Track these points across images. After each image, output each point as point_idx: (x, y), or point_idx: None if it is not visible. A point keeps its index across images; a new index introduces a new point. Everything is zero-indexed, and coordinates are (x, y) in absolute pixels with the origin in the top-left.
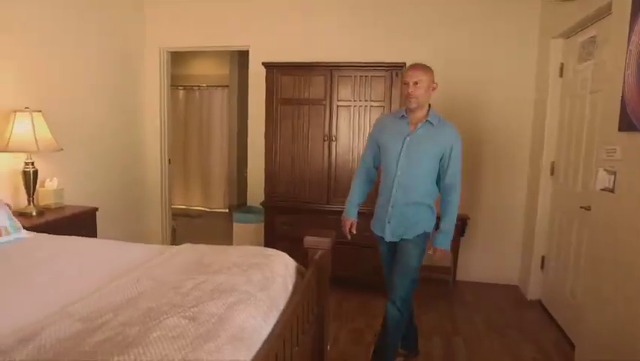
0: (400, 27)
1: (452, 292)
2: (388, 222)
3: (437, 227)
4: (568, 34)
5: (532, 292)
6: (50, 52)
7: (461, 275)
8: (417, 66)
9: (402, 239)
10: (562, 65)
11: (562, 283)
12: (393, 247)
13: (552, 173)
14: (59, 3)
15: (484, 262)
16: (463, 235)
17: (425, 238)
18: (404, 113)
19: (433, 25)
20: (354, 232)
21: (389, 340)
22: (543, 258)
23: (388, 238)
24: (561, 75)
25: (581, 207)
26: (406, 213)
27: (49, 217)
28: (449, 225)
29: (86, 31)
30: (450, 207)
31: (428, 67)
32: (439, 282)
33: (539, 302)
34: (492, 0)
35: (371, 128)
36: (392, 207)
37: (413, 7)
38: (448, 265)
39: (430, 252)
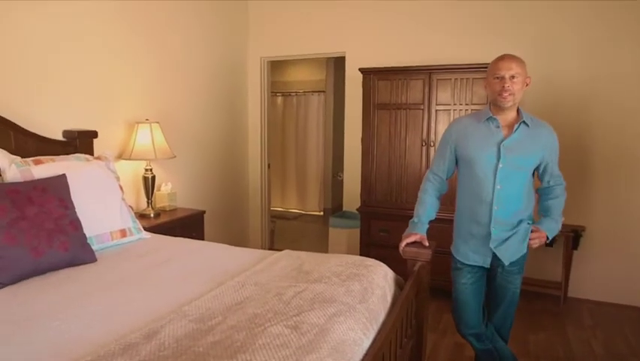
0: (499, 22)
1: (563, 311)
2: (494, 246)
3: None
4: None
5: None
6: (168, 68)
7: (574, 292)
8: (511, 57)
9: (508, 264)
10: None
11: None
12: (483, 274)
13: None
14: (178, 25)
15: (603, 279)
16: (576, 249)
17: (527, 254)
18: (490, 115)
19: (536, 17)
20: (427, 244)
21: None
22: None
23: (497, 262)
24: None
25: None
26: (512, 234)
27: (164, 219)
28: (558, 214)
29: (196, 45)
30: (560, 199)
31: (521, 58)
32: (548, 298)
33: None
34: None
35: (444, 133)
36: (494, 228)
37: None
38: (558, 280)
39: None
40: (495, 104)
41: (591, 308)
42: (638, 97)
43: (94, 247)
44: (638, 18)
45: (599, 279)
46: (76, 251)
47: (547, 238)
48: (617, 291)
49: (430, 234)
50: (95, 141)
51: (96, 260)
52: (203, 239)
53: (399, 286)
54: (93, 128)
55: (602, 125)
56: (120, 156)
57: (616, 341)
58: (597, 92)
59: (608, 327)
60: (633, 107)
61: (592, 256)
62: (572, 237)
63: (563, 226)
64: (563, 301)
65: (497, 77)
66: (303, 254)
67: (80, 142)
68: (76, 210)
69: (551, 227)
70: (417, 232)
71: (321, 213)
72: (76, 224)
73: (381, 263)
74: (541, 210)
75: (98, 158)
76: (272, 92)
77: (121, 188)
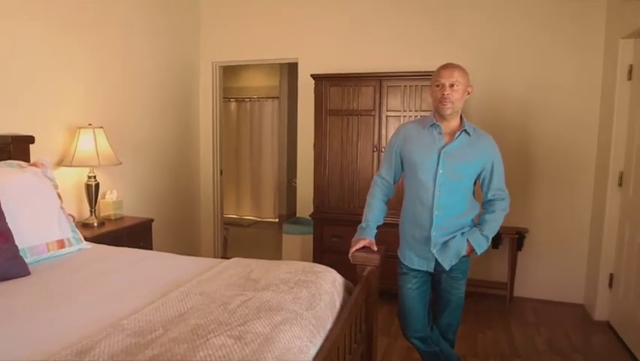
0: (448, 32)
1: (509, 310)
2: (436, 251)
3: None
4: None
5: (600, 313)
6: (111, 70)
7: (519, 291)
8: (452, 66)
9: (449, 269)
10: (631, 67)
11: (634, 304)
12: (427, 278)
13: (620, 184)
14: (121, 26)
15: (545, 278)
16: (520, 250)
17: (469, 259)
18: (434, 122)
19: (483, 28)
20: (375, 249)
21: None
22: (611, 276)
23: (442, 267)
24: (630, 78)
25: None
26: (451, 238)
27: (109, 228)
28: (491, 231)
29: (142, 48)
30: (497, 215)
31: (464, 68)
32: (495, 298)
33: (608, 324)
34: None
35: (390, 138)
36: (434, 232)
37: (460, 10)
38: (504, 281)
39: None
40: (436, 111)
41: (535, 307)
42: (576, 105)
43: (27, 260)
44: (575, 29)
45: (542, 278)
46: (7, 264)
47: (475, 252)
48: (559, 289)
49: (379, 238)
50: (31, 146)
51: (29, 273)
52: (151, 249)
53: (348, 292)
54: (30, 133)
55: (542, 133)
56: (60, 163)
57: (558, 337)
58: (538, 100)
59: (550, 324)
60: (572, 114)
61: (535, 256)
62: (516, 239)
63: (508, 228)
64: (509, 301)
65: (438, 85)
66: (252, 262)
67: (14, 148)
68: (7, 220)
69: (480, 243)
70: (366, 237)
71: (277, 219)
72: (7, 235)
73: (331, 269)
74: (479, 222)
75: (34, 165)
76: (226, 98)
77: (59, 196)
